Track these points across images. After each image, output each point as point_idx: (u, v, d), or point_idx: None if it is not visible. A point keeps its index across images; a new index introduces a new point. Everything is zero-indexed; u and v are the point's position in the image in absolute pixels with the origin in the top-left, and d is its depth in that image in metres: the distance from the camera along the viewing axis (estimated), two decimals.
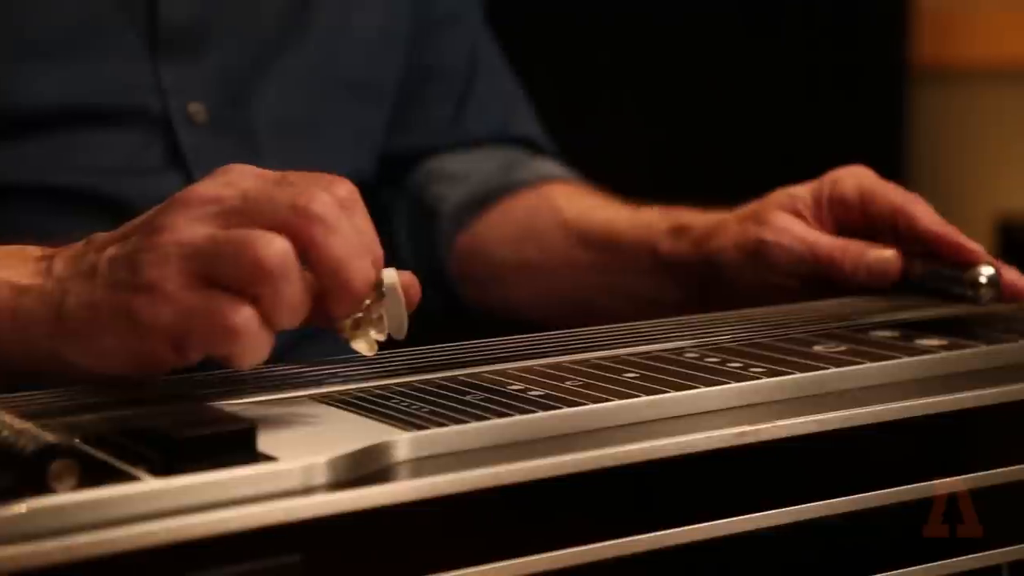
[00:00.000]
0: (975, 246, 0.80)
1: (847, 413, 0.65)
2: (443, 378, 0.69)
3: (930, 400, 0.67)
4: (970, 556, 0.69)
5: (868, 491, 0.66)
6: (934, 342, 0.73)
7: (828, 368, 0.69)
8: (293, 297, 0.62)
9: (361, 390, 0.68)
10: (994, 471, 0.69)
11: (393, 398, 0.66)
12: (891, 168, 2.02)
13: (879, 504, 0.66)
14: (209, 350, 0.62)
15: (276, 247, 0.61)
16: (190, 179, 0.94)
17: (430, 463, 0.60)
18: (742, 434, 0.63)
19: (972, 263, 0.80)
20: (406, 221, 1.14)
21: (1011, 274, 0.80)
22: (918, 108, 2.11)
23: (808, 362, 0.70)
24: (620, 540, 0.60)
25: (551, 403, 0.64)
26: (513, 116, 1.18)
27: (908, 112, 2.06)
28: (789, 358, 0.71)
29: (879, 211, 0.83)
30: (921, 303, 0.81)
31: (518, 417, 0.62)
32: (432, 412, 0.63)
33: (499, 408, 0.64)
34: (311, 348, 0.87)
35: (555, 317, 1.06)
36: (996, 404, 0.68)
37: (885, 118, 2.05)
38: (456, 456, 0.60)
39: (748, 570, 0.64)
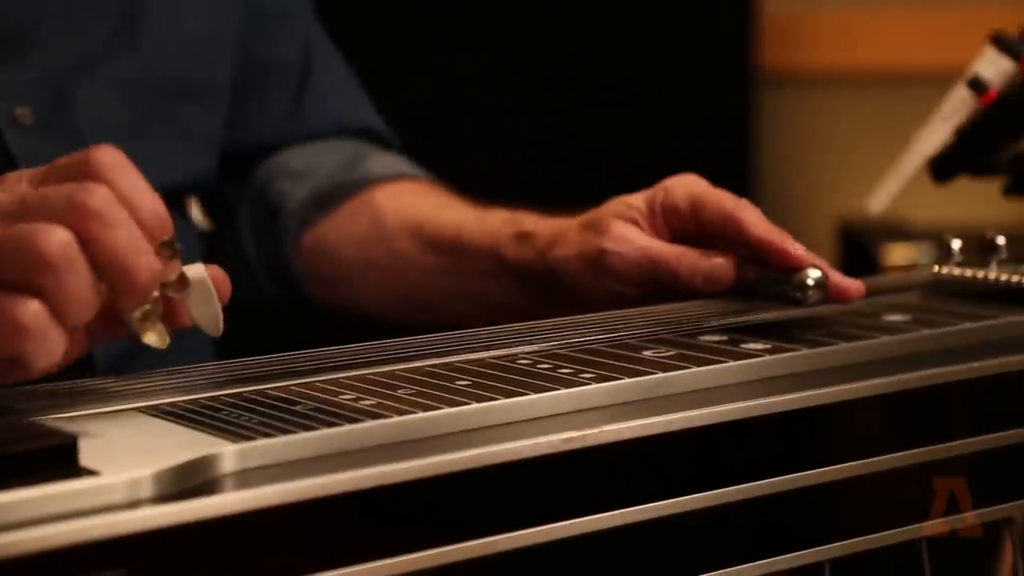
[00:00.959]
0: (801, 250, 0.82)
1: (671, 417, 0.66)
2: (274, 388, 0.69)
3: (753, 403, 0.69)
4: (794, 555, 0.70)
5: (694, 493, 0.67)
6: (759, 346, 0.75)
7: (656, 373, 0.70)
8: (79, 288, 0.61)
9: (190, 401, 0.67)
10: (820, 470, 0.71)
11: (223, 409, 0.66)
12: (737, 171, 2.07)
13: (706, 505, 0.67)
14: None
15: (57, 238, 0.61)
16: None
17: (257, 474, 0.60)
18: (569, 439, 0.64)
19: (799, 267, 0.81)
20: (250, 218, 1.13)
21: (837, 277, 0.82)
22: (763, 112, 2.14)
23: (637, 367, 0.71)
24: (449, 547, 0.61)
25: (381, 412, 0.65)
26: (352, 108, 1.18)
27: (754, 116, 2.09)
28: (619, 364, 0.72)
29: (710, 218, 0.84)
30: (752, 307, 0.82)
31: (346, 427, 0.63)
32: (261, 423, 0.63)
33: (328, 418, 0.64)
34: (141, 361, 0.86)
35: (402, 318, 1.06)
36: (817, 406, 0.70)
37: (731, 122, 2.08)
38: (283, 467, 0.60)
39: (577, 574, 0.65)
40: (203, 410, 0.66)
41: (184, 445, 0.60)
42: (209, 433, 0.62)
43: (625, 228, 0.87)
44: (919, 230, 1.90)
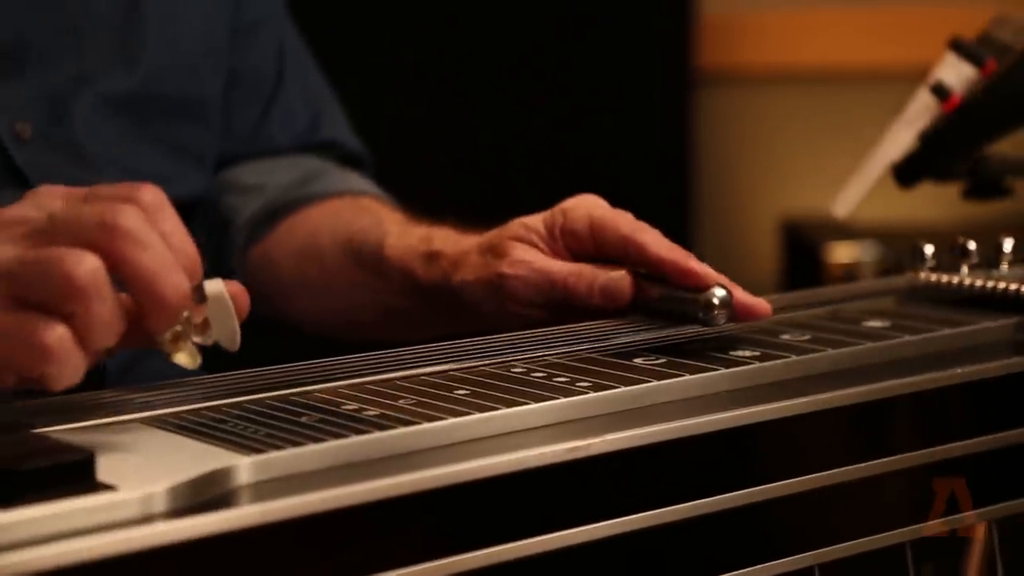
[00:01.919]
0: (704, 270, 0.80)
1: (671, 425, 0.67)
2: (274, 398, 0.69)
3: (746, 411, 0.70)
4: (786, 559, 0.72)
5: (695, 499, 0.68)
6: (747, 353, 0.76)
7: (650, 381, 0.71)
8: (106, 315, 0.62)
9: (192, 412, 0.67)
10: (814, 476, 0.72)
11: (228, 421, 0.66)
12: (677, 172, 2.08)
13: (706, 511, 0.68)
14: (22, 371, 0.62)
15: (87, 264, 0.61)
16: None
17: (270, 487, 0.60)
18: (573, 449, 0.65)
19: (703, 286, 0.80)
20: (203, 230, 1.13)
21: (742, 296, 0.80)
22: (704, 112, 2.16)
23: (631, 375, 0.72)
24: (460, 556, 0.61)
25: (386, 423, 0.65)
26: (320, 121, 1.17)
27: (694, 116, 2.11)
28: (614, 372, 0.73)
29: (609, 241, 0.84)
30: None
31: (355, 438, 0.63)
32: (269, 435, 0.63)
33: (335, 429, 0.64)
34: (144, 368, 0.86)
35: (335, 334, 1.06)
36: (812, 412, 0.72)
37: (671, 122, 2.08)
38: (296, 479, 0.61)
39: None
40: (208, 421, 0.66)
41: (197, 458, 0.60)
42: (218, 445, 0.62)
43: (524, 251, 0.86)
44: (861, 229, 1.92)
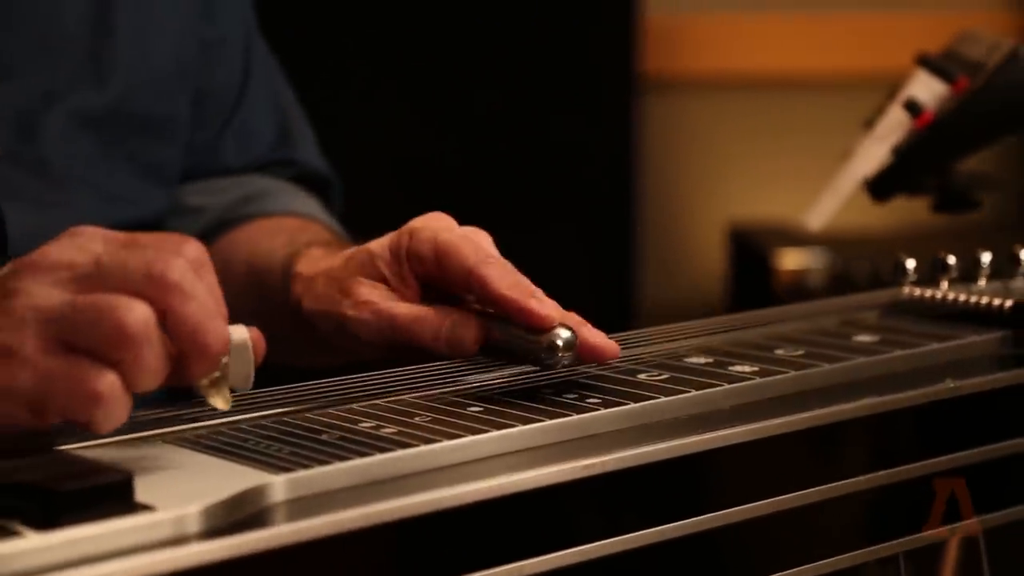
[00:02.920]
0: (545, 310, 0.76)
1: (681, 442, 0.69)
2: (289, 415, 0.70)
3: (745, 427, 0.71)
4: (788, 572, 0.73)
5: (704, 513, 0.70)
6: (747, 369, 0.78)
7: (658, 398, 0.73)
8: (154, 363, 0.63)
9: (211, 429, 0.68)
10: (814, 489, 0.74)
11: (249, 439, 0.66)
12: (622, 178, 2.09)
13: (716, 525, 0.70)
14: (69, 415, 0.63)
15: (138, 313, 0.62)
16: None
17: (302, 505, 0.61)
18: (589, 466, 0.66)
19: (545, 328, 0.76)
20: None
21: (590, 336, 0.77)
22: (648, 118, 2.17)
23: (638, 392, 0.74)
24: (491, 570, 0.62)
25: (407, 441, 0.66)
26: (283, 140, 1.15)
27: (638, 122, 2.11)
28: (620, 388, 0.74)
29: (453, 270, 0.80)
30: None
31: (380, 456, 0.64)
32: (292, 453, 0.64)
33: (356, 447, 0.65)
34: None
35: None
36: (818, 426, 0.73)
37: (614, 128, 2.09)
38: (325, 496, 0.61)
39: None
40: (230, 440, 0.66)
41: (227, 477, 0.61)
42: (245, 464, 0.63)
43: (368, 290, 0.83)
44: (809, 236, 1.94)
